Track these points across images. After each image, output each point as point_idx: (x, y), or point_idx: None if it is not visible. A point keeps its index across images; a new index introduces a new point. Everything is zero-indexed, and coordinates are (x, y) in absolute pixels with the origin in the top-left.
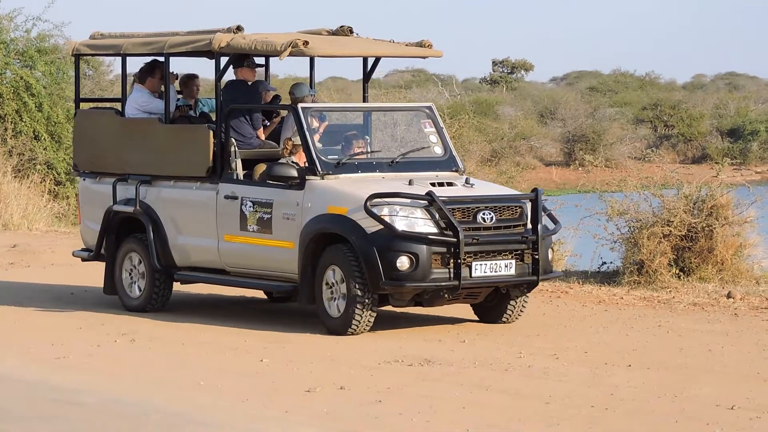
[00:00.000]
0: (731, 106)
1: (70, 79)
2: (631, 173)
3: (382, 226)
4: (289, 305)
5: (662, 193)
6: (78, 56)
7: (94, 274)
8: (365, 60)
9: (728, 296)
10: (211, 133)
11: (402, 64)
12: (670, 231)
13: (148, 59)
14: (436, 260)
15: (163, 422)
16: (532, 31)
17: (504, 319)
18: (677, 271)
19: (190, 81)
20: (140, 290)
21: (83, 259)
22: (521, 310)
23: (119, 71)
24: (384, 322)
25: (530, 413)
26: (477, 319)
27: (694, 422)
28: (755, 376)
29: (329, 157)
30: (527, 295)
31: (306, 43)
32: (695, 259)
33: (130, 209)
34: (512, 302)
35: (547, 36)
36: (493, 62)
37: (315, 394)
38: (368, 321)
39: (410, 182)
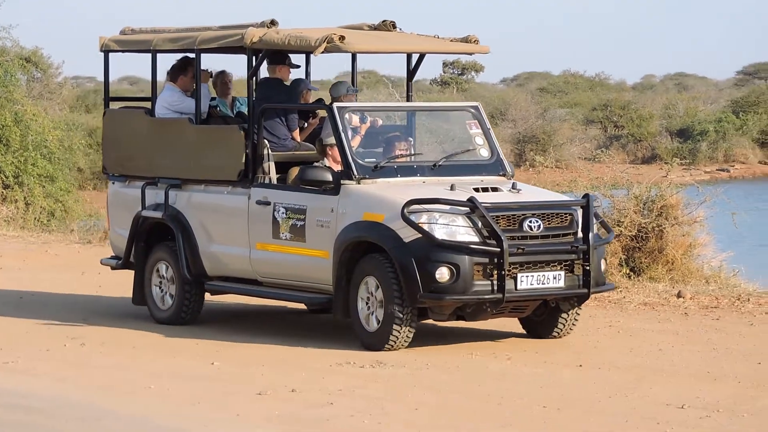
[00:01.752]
0: (680, 106)
1: (18, 81)
2: (581, 174)
3: (420, 235)
4: (235, 310)
5: (612, 193)
6: (107, 52)
7: (42, 279)
8: (409, 57)
9: (678, 296)
10: (244, 134)
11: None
12: (621, 231)
13: (180, 56)
14: (478, 271)
15: (113, 426)
16: (482, 33)
17: (555, 334)
18: (628, 271)
19: (218, 78)
20: (167, 302)
21: (112, 268)
22: (573, 324)
23: (68, 73)
24: (337, 325)
25: (483, 414)
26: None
27: (645, 421)
28: (705, 375)
29: (366, 160)
30: (580, 308)
31: (342, 38)
32: (645, 258)
33: (159, 215)
34: (564, 315)
35: (497, 37)
36: (443, 63)
37: (266, 397)
38: (407, 337)
39: (452, 187)
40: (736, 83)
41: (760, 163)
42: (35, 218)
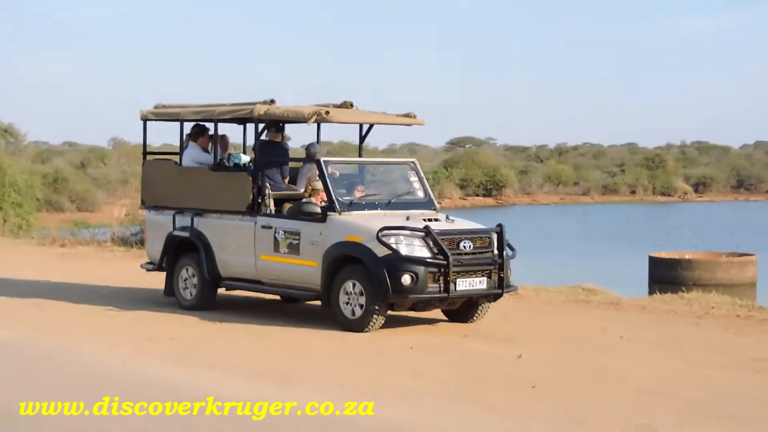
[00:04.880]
0: None
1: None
2: None
3: (390, 251)
4: None
5: None
6: (146, 121)
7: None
8: (361, 126)
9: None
10: (251, 178)
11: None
12: None
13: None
14: (430, 278)
15: None
16: (190, 83)
17: (473, 319)
18: None
19: (222, 139)
20: (191, 295)
21: (148, 270)
22: (485, 313)
23: (34, 137)
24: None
25: None
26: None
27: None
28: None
29: (344, 198)
30: (491, 302)
31: (328, 112)
32: None
33: (186, 234)
34: (481, 307)
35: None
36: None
37: None
38: (381, 323)
39: (408, 218)
40: (446, 149)
41: (460, 199)
42: (9, 230)
